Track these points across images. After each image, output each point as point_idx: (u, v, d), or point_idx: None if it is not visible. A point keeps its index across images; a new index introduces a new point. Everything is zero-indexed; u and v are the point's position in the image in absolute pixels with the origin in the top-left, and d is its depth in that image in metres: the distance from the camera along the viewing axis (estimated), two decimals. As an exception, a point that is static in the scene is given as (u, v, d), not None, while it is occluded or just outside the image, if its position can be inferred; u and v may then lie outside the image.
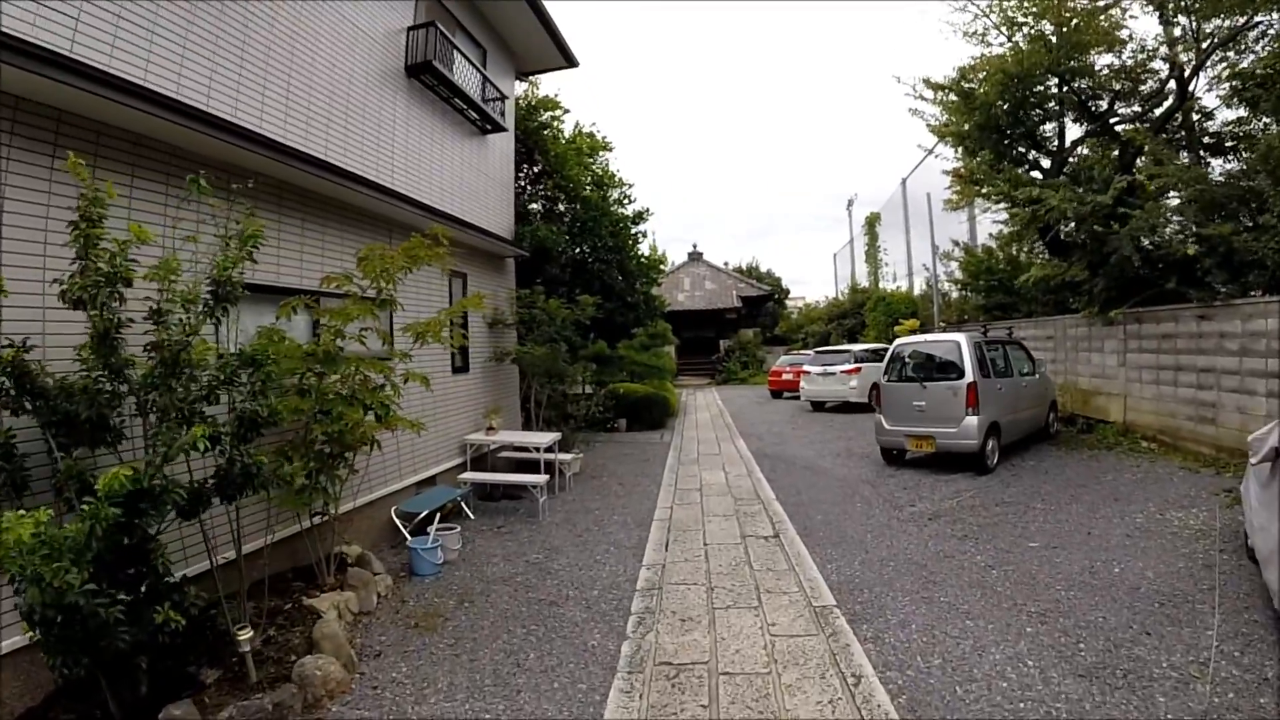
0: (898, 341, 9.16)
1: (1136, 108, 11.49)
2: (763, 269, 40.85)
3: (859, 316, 25.67)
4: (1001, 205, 14.33)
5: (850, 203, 35.66)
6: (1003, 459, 8.57)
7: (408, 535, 5.76)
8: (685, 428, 13.97)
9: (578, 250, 11.50)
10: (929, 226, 19.50)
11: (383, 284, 4.36)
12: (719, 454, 10.39)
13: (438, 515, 6.17)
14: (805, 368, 16.34)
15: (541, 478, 7.07)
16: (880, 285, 28.39)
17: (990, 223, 16.59)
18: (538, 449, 7.53)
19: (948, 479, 7.89)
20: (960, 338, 8.53)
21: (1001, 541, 5.50)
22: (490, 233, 8.26)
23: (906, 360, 9.02)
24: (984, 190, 14.01)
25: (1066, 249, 12.39)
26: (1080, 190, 10.07)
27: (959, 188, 14.69)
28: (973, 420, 8.07)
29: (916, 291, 25.09)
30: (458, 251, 7.70)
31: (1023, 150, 12.86)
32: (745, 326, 32.42)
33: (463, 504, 6.95)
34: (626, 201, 12.68)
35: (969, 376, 8.19)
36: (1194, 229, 8.81)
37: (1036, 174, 12.51)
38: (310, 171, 4.87)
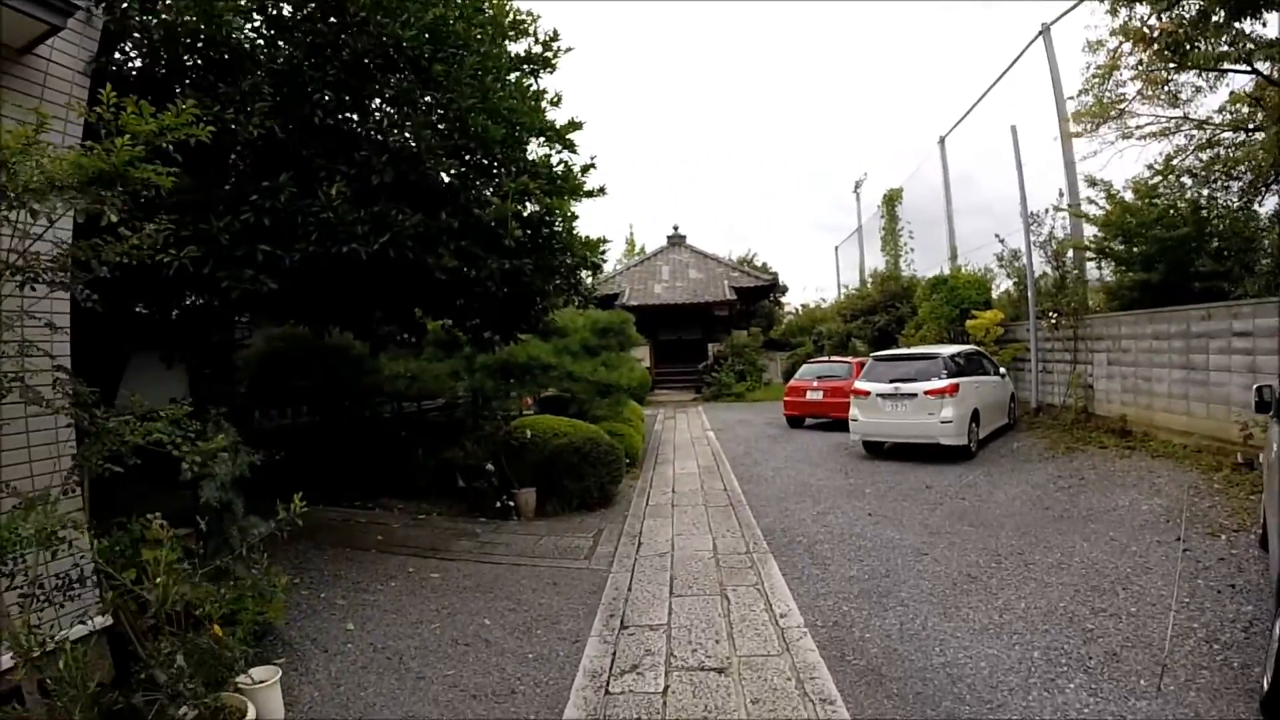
0: None
1: None
2: (757, 262, 34.23)
3: (894, 310, 19.04)
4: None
5: (858, 184, 29.13)
6: None
7: None
8: (651, 509, 7.24)
9: (329, 74, 4.34)
10: (1016, 170, 12.98)
11: None
12: (729, 666, 3.64)
13: None
14: (860, 385, 9.55)
15: None
16: (902, 273, 22.04)
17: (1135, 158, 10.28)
18: None
19: None
20: None
21: None
22: None
23: None
24: (1197, 55, 7.65)
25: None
26: None
27: (1146, 55, 8.20)
28: None
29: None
30: None
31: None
32: (738, 326, 25.70)
33: None
34: (522, 36, 5.97)
35: None
36: None
37: None
38: None
